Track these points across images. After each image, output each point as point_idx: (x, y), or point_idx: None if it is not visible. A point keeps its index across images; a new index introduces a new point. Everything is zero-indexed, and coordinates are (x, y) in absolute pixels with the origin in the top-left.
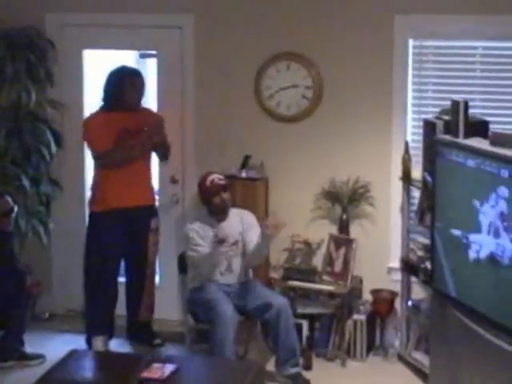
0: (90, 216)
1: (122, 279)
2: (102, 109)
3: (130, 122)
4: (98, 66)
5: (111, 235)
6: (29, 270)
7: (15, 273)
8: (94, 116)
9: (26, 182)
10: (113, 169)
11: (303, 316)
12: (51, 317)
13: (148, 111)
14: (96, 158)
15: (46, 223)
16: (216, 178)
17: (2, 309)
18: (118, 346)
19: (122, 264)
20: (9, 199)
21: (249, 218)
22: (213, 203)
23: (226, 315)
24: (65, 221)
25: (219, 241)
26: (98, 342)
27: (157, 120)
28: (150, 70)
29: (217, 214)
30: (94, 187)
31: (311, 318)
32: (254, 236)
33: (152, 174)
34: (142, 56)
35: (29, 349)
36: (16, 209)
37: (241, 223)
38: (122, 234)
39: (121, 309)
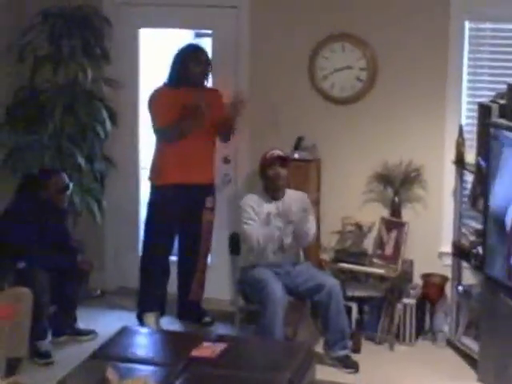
0: (151, 188)
1: (174, 258)
2: (166, 85)
3: (193, 99)
4: (153, 45)
5: (167, 210)
6: (81, 247)
7: (68, 250)
8: (159, 91)
9: (80, 160)
10: (172, 143)
11: (353, 299)
12: (103, 293)
13: (215, 91)
14: (157, 131)
15: (99, 201)
16: (276, 151)
17: (55, 284)
18: (168, 324)
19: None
20: (64, 176)
21: (306, 201)
22: (267, 176)
23: (276, 295)
24: (118, 198)
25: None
26: (150, 319)
27: (216, 96)
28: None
29: (271, 189)
30: (155, 160)
31: (361, 301)
32: (312, 222)
33: (214, 152)
34: (198, 35)
35: (81, 324)
36: (71, 186)
37: (298, 205)
38: (178, 210)
39: (171, 287)
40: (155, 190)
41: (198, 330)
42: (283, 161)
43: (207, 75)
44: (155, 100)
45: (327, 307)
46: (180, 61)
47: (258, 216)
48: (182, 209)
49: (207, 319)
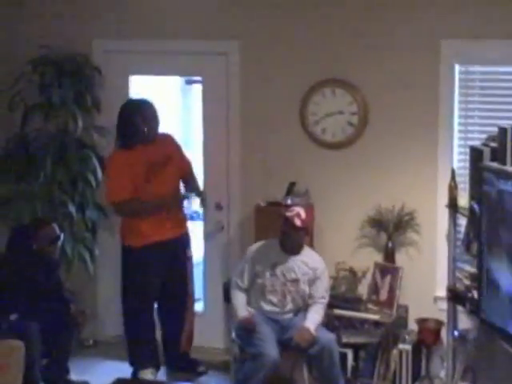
0: (127, 251)
1: None
2: (122, 147)
3: (153, 155)
4: (143, 92)
5: (153, 270)
6: (74, 298)
7: (61, 301)
8: (115, 157)
9: (72, 209)
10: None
11: (348, 345)
12: (96, 343)
13: (169, 138)
14: (113, 205)
15: (91, 250)
16: (296, 214)
17: (48, 336)
18: (164, 374)
19: None
20: (55, 227)
21: (320, 266)
22: (281, 230)
23: (269, 360)
24: (110, 247)
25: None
26: (146, 376)
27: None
28: (195, 96)
29: (282, 243)
30: (129, 221)
31: (356, 348)
32: (319, 289)
33: (182, 199)
34: (188, 82)
35: (73, 376)
36: (62, 237)
37: (310, 267)
38: (163, 267)
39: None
40: (136, 251)
41: (193, 380)
42: (301, 228)
43: (158, 127)
44: (109, 170)
45: (320, 362)
46: (126, 120)
47: (261, 261)
48: (165, 265)
49: (202, 368)
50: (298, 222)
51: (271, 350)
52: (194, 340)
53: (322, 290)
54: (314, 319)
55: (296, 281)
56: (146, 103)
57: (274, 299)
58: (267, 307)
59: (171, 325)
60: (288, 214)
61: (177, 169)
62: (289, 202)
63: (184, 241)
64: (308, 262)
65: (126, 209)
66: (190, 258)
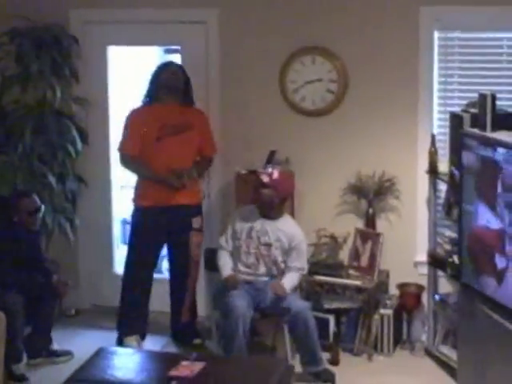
0: (133, 211)
1: (163, 276)
2: (144, 103)
3: (174, 116)
4: (123, 63)
5: (148, 232)
6: (56, 268)
7: (42, 271)
8: (133, 112)
9: (52, 180)
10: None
11: (330, 311)
12: (78, 313)
13: (202, 115)
14: (121, 157)
15: (72, 220)
16: (266, 173)
17: (30, 306)
18: (152, 345)
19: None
20: (35, 198)
21: (298, 239)
22: (253, 195)
23: (238, 311)
24: (91, 217)
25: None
26: (131, 343)
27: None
28: None
29: (258, 207)
30: (137, 181)
31: (338, 313)
32: (295, 261)
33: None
34: (167, 51)
35: (56, 345)
36: (43, 208)
37: (285, 235)
38: (161, 233)
39: (166, 307)
40: (135, 211)
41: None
42: (266, 184)
43: (179, 85)
44: (129, 121)
45: (295, 330)
46: (153, 76)
47: (241, 230)
48: (167, 231)
49: (197, 341)
50: (265, 179)
51: (240, 302)
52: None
53: (298, 262)
54: (288, 281)
55: (268, 245)
56: (170, 62)
57: (248, 261)
58: (242, 268)
59: (173, 293)
60: (259, 174)
61: (193, 142)
62: (269, 170)
63: (192, 210)
64: (284, 229)
65: (130, 166)
66: (197, 230)
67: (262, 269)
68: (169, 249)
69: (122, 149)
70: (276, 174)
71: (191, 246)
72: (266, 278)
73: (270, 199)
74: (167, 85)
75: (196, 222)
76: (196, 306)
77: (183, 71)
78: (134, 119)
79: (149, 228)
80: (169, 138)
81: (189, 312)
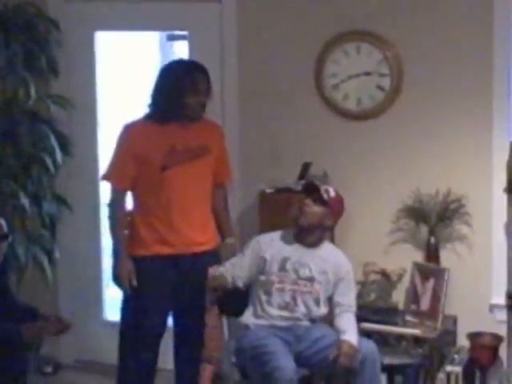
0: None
1: None
2: (148, 118)
3: (186, 139)
4: (113, 52)
5: (153, 289)
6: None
7: (12, 317)
8: (128, 129)
9: (24, 200)
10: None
11: (382, 368)
12: (57, 369)
13: (216, 128)
14: (111, 193)
15: (50, 251)
16: (324, 189)
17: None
18: None
19: None
20: (0, 223)
21: (346, 267)
22: (297, 216)
23: (284, 374)
24: (74, 248)
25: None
26: None
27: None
28: (178, 56)
29: (299, 234)
30: (130, 223)
31: (392, 370)
32: (347, 295)
33: (209, 206)
34: (170, 38)
35: None
36: (9, 237)
37: (331, 265)
38: (168, 289)
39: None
40: (134, 262)
41: None
42: (321, 203)
43: (205, 105)
44: (121, 141)
45: (362, 376)
46: (169, 85)
47: (271, 260)
48: (173, 287)
49: None
50: (325, 195)
51: (287, 362)
52: None
53: (348, 298)
54: (351, 329)
55: (311, 279)
56: (200, 68)
57: (283, 301)
58: (274, 311)
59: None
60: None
61: (210, 169)
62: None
63: (207, 258)
64: (328, 259)
65: (112, 205)
66: None
67: (301, 309)
68: (174, 312)
69: (108, 177)
70: (332, 192)
71: (207, 308)
72: (306, 323)
73: (319, 221)
74: (192, 107)
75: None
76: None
77: (210, 85)
78: (129, 139)
79: (151, 284)
80: (179, 166)
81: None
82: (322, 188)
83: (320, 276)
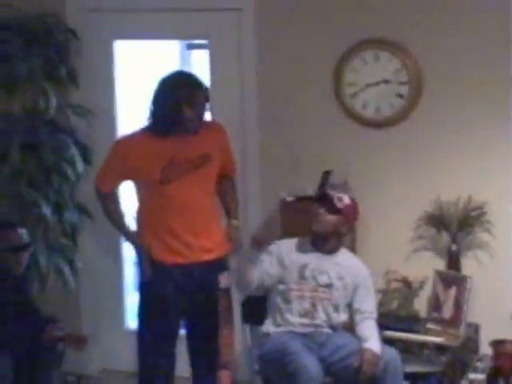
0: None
1: None
2: (145, 131)
3: (183, 150)
4: (132, 62)
5: (165, 305)
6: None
7: (33, 324)
8: (121, 143)
9: (46, 210)
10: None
11: (404, 376)
12: (81, 380)
13: (215, 130)
14: (96, 191)
15: (72, 261)
16: (338, 197)
17: (19, 371)
18: None
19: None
20: (23, 232)
21: (363, 273)
22: (314, 223)
23: (310, 370)
24: (96, 256)
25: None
26: None
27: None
28: (198, 65)
29: (316, 241)
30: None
31: (414, 379)
32: (367, 302)
33: (217, 213)
34: (190, 47)
35: None
36: (31, 247)
37: (348, 271)
38: (179, 302)
39: None
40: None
41: None
42: (336, 212)
43: (202, 119)
44: (112, 151)
45: (384, 382)
46: (166, 98)
47: (290, 268)
48: (181, 296)
49: None
50: (338, 204)
51: (311, 361)
52: None
53: (369, 304)
54: (373, 336)
55: (329, 286)
56: (197, 82)
57: (302, 308)
58: (295, 319)
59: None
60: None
61: (213, 175)
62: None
63: (216, 266)
64: (346, 265)
65: (101, 204)
66: (223, 290)
67: (321, 316)
68: (187, 322)
69: (96, 182)
70: (347, 199)
71: (220, 315)
72: (327, 330)
73: (334, 229)
74: (189, 120)
75: (224, 281)
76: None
77: (207, 90)
78: (119, 152)
79: (159, 292)
80: (181, 179)
81: None
82: (336, 196)
83: (338, 282)
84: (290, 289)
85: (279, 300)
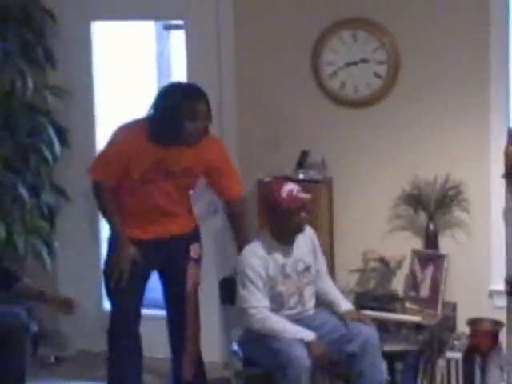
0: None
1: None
2: (146, 130)
3: (178, 161)
4: (109, 42)
5: (136, 271)
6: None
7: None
8: (124, 130)
9: (23, 191)
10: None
11: (382, 355)
12: (59, 360)
13: (208, 144)
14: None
15: (49, 242)
16: (295, 189)
17: None
18: None
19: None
20: None
21: (313, 236)
22: (287, 223)
23: (301, 363)
24: (73, 238)
25: None
26: None
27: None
28: (175, 46)
29: (286, 236)
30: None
31: (392, 357)
32: (323, 264)
33: (190, 201)
34: (166, 27)
35: None
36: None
37: (311, 243)
38: (148, 267)
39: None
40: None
41: None
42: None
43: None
44: (115, 138)
45: (362, 359)
46: (168, 111)
47: (270, 277)
48: (153, 264)
49: None
50: (305, 196)
51: (301, 351)
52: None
53: (324, 264)
54: (341, 296)
55: (308, 268)
56: (199, 93)
57: (293, 302)
58: (286, 312)
59: (171, 343)
60: (284, 195)
61: (193, 186)
62: (301, 176)
63: (185, 237)
64: (302, 238)
65: (95, 193)
66: (193, 259)
67: (311, 300)
68: (163, 285)
69: (92, 172)
70: (295, 188)
71: (188, 281)
72: (312, 311)
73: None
74: (189, 133)
75: (194, 251)
76: (201, 358)
77: (208, 102)
78: (124, 141)
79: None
80: (159, 183)
81: (191, 366)
82: (300, 193)
83: (309, 258)
84: (279, 293)
85: (271, 304)
